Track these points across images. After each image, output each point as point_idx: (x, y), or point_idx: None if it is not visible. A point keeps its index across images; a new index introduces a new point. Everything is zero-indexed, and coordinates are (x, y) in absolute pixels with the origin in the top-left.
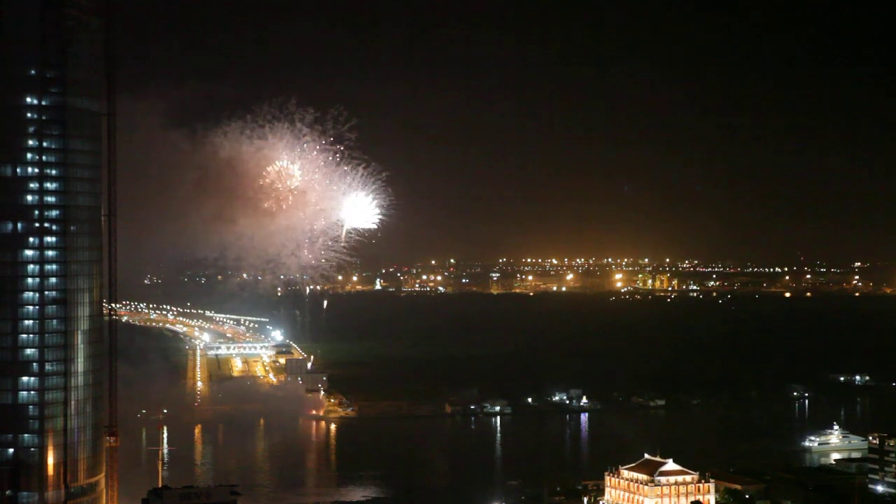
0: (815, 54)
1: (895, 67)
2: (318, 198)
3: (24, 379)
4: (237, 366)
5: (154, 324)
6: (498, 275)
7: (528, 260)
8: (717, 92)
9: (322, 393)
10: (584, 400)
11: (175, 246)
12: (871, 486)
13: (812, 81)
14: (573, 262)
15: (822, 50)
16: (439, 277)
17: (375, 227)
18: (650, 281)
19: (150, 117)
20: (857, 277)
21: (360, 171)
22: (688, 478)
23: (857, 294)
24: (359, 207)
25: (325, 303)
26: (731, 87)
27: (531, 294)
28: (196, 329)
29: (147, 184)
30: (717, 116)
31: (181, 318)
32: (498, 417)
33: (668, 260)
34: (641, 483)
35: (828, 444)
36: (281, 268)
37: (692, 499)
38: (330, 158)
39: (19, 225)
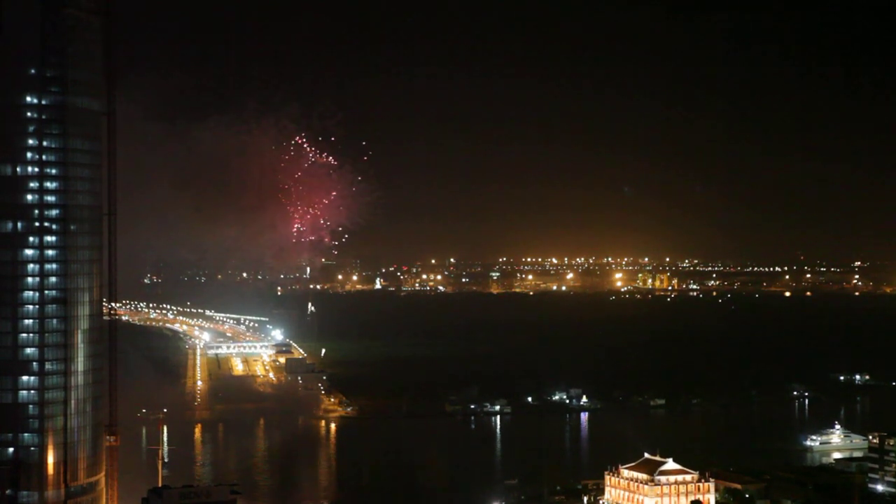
0: (813, 57)
1: (892, 68)
2: (305, 196)
3: (24, 378)
4: (237, 365)
5: (154, 323)
6: (498, 274)
7: (528, 259)
8: (717, 94)
9: (322, 392)
10: (584, 399)
11: (153, 246)
12: (871, 485)
13: (811, 82)
14: (573, 262)
15: (821, 53)
16: (439, 277)
17: (364, 225)
18: (650, 280)
19: (130, 110)
20: (857, 277)
21: (349, 168)
22: (688, 477)
23: (857, 294)
24: (347, 206)
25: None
26: (730, 90)
27: (531, 293)
28: (196, 328)
29: (125, 179)
30: (717, 118)
31: (181, 318)
32: (498, 417)
33: (668, 259)
34: (641, 482)
35: (829, 443)
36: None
37: (692, 498)
38: (318, 155)
39: (19, 225)
